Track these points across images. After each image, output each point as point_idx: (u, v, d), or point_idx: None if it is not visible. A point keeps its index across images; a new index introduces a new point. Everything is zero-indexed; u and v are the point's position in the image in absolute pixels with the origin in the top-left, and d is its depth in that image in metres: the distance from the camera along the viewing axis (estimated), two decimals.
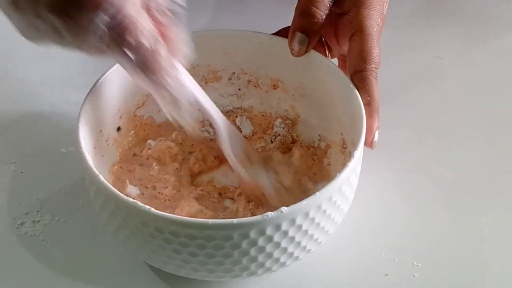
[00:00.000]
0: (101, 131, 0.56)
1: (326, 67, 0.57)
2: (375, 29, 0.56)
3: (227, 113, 0.63)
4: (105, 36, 0.44)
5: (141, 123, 0.61)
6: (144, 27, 0.45)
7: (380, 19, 0.57)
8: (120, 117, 0.58)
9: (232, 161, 0.55)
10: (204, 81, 0.63)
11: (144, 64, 0.46)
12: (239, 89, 0.63)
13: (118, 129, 0.58)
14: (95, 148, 0.54)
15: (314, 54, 0.57)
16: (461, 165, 0.62)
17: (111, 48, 0.45)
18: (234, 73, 0.63)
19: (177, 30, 0.48)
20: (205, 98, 0.54)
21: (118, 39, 0.44)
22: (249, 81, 0.63)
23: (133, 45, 0.45)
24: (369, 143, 0.53)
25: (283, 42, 0.58)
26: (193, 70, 0.61)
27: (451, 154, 0.63)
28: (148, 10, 0.46)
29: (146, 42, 0.45)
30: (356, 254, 0.55)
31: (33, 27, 0.44)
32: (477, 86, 0.71)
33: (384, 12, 0.57)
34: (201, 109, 0.53)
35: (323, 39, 0.59)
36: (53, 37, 0.44)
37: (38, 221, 0.57)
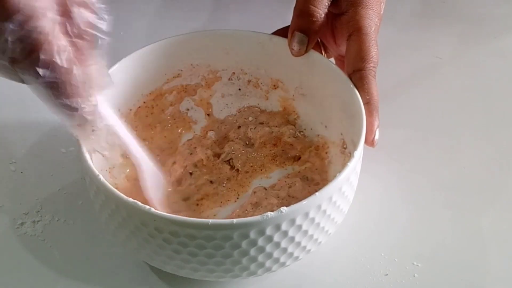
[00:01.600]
0: None
1: (326, 67, 0.57)
2: (373, 28, 0.56)
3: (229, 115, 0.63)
4: (17, 54, 0.40)
5: (141, 123, 0.61)
6: (59, 45, 0.41)
7: (378, 19, 0.57)
8: (120, 117, 0.58)
9: (151, 200, 0.53)
10: (204, 81, 0.63)
11: (57, 85, 0.42)
12: (239, 89, 0.63)
13: None
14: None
15: (314, 54, 0.57)
16: (461, 165, 0.62)
17: (20, 66, 0.41)
18: (234, 73, 0.63)
19: (95, 57, 0.44)
20: (124, 131, 0.51)
21: (29, 54, 0.40)
22: (249, 81, 0.63)
23: (45, 62, 0.41)
24: (370, 142, 0.53)
25: (283, 42, 0.58)
26: (193, 70, 0.62)
27: (451, 154, 0.63)
28: (65, 32, 0.42)
29: (59, 59, 0.41)
30: (356, 254, 0.55)
31: None
32: (477, 86, 0.71)
33: (381, 12, 0.58)
34: (119, 143, 0.51)
35: (319, 39, 0.59)
36: None
37: (38, 221, 0.57)
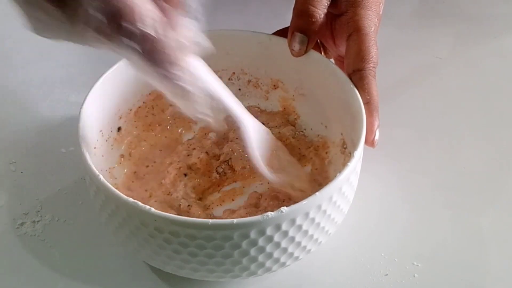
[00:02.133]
0: (101, 131, 0.56)
1: (326, 67, 0.57)
2: (372, 29, 0.56)
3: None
4: (100, 23, 0.39)
5: (141, 123, 0.61)
6: (144, 12, 0.40)
7: (377, 19, 0.57)
8: (120, 117, 0.58)
9: (257, 163, 0.53)
10: None
11: (148, 54, 0.41)
12: (239, 89, 0.63)
13: (119, 129, 0.58)
14: (95, 148, 0.54)
15: (314, 54, 0.58)
16: (461, 165, 0.62)
17: (111, 38, 0.40)
18: (234, 73, 0.63)
19: (187, 22, 0.43)
20: (225, 91, 0.50)
21: (113, 25, 0.39)
22: (249, 81, 0.63)
23: (131, 32, 0.40)
24: (370, 142, 0.53)
25: (283, 42, 0.58)
26: None
27: (451, 154, 0.63)
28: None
29: (146, 28, 0.40)
30: (356, 254, 0.55)
31: (39, 20, 0.40)
32: (477, 86, 0.71)
33: (380, 13, 0.58)
34: (220, 104, 0.49)
35: (318, 40, 0.59)
36: (57, 29, 0.41)
37: (38, 221, 0.57)
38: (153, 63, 0.42)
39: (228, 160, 0.59)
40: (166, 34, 0.41)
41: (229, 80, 0.63)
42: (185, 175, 0.57)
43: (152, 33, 0.41)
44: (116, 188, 0.46)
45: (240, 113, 0.51)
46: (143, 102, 0.60)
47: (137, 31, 0.40)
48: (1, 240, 0.56)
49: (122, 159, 0.58)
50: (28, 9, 0.40)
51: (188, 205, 0.54)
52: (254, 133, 0.53)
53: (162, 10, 0.42)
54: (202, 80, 0.46)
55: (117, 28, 0.40)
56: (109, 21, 0.39)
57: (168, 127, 0.62)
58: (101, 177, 0.47)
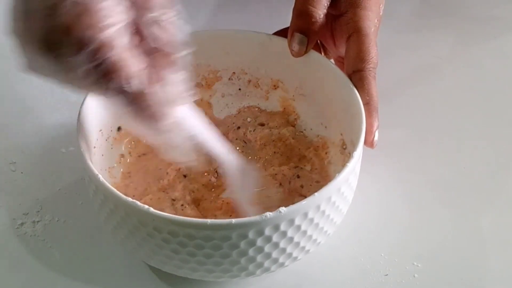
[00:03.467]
0: (101, 130, 0.56)
1: (326, 67, 0.57)
2: (372, 30, 0.56)
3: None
4: (91, 76, 0.40)
5: None
6: (133, 70, 0.41)
7: (377, 20, 0.57)
8: (120, 117, 0.58)
9: (239, 204, 0.53)
10: (204, 81, 0.63)
11: (135, 108, 0.43)
12: (240, 89, 0.63)
13: (119, 128, 0.58)
14: (95, 147, 0.54)
15: (314, 54, 0.57)
16: (461, 165, 0.62)
17: (100, 88, 0.41)
18: (234, 73, 0.63)
19: (176, 72, 0.44)
20: (211, 136, 0.50)
21: (103, 80, 0.41)
22: (249, 81, 0.63)
23: (119, 89, 0.41)
24: (369, 143, 0.53)
25: (283, 42, 0.58)
26: (193, 70, 0.61)
27: (451, 154, 0.63)
28: (141, 51, 0.42)
29: (135, 87, 0.41)
30: (356, 254, 0.55)
31: (36, 61, 0.42)
32: (477, 86, 0.70)
33: (380, 14, 0.58)
34: (204, 148, 0.50)
35: (318, 41, 0.59)
36: (51, 74, 0.42)
37: (38, 221, 0.57)
38: (141, 117, 0.43)
39: None
40: (155, 90, 0.43)
41: (230, 80, 0.63)
42: (185, 176, 0.57)
43: (140, 90, 0.42)
44: (115, 188, 0.46)
45: (226, 158, 0.52)
46: None
47: (125, 89, 0.41)
48: (1, 240, 0.56)
49: (122, 158, 0.58)
50: (27, 48, 0.41)
51: (182, 205, 0.54)
52: (239, 176, 0.53)
53: (153, 63, 0.43)
54: (187, 129, 0.47)
55: (107, 85, 0.41)
56: (100, 77, 0.41)
57: None
58: (100, 176, 0.47)
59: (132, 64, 0.41)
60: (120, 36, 0.40)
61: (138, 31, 0.42)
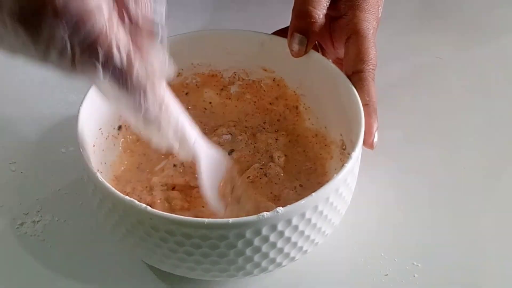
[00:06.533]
0: (100, 129, 0.56)
1: (326, 67, 0.57)
2: (371, 31, 0.56)
3: None
4: (74, 48, 0.39)
5: None
6: (118, 39, 0.40)
7: (376, 22, 0.57)
8: (120, 116, 0.58)
9: (205, 192, 0.52)
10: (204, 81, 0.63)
11: (119, 82, 0.42)
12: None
13: (119, 127, 0.58)
14: (94, 146, 0.54)
15: (314, 55, 0.58)
16: (461, 166, 0.62)
17: (81, 63, 0.40)
18: (235, 72, 0.63)
19: (156, 46, 0.43)
20: (186, 118, 0.49)
21: (87, 52, 0.40)
22: (249, 80, 0.63)
23: (105, 58, 0.40)
24: (369, 144, 0.53)
25: (283, 42, 0.58)
26: (194, 70, 0.62)
27: (451, 155, 0.63)
28: (123, 22, 0.42)
29: (120, 55, 0.41)
30: (356, 254, 0.55)
31: (2, 37, 0.40)
32: (477, 86, 0.70)
33: (379, 16, 0.58)
34: (183, 133, 0.49)
35: (317, 42, 0.59)
36: (17, 47, 0.40)
37: (38, 221, 0.57)
38: (125, 92, 0.42)
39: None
40: (138, 62, 0.42)
41: (230, 79, 0.63)
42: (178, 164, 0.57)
43: (125, 63, 0.41)
44: (114, 187, 0.47)
45: (199, 146, 0.51)
46: None
47: (109, 57, 0.40)
48: (1, 240, 0.56)
49: (121, 157, 0.58)
50: None
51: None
52: (207, 162, 0.52)
53: (133, 37, 0.42)
54: (169, 109, 0.46)
55: (91, 54, 0.40)
56: (87, 51, 0.40)
57: None
58: (99, 175, 0.47)
59: (120, 33, 0.41)
60: (103, 7, 0.40)
61: (118, 4, 0.41)
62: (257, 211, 0.46)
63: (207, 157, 0.52)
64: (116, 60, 0.41)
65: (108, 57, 0.40)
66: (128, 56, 0.41)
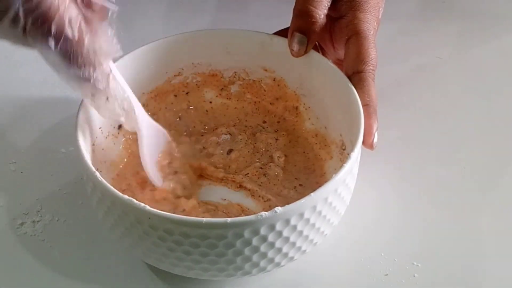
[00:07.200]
0: (100, 128, 0.56)
1: (326, 67, 0.57)
2: (371, 32, 0.56)
3: None
4: (25, 20, 0.41)
5: None
6: (69, 14, 0.42)
7: (376, 23, 0.57)
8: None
9: (145, 167, 0.55)
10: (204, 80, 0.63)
11: (68, 54, 0.44)
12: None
13: (119, 126, 0.58)
14: (93, 145, 0.54)
15: (314, 55, 0.58)
16: (461, 165, 0.62)
17: (33, 32, 0.42)
18: (235, 72, 0.63)
19: (104, 26, 0.46)
20: (133, 95, 0.53)
21: (40, 25, 0.41)
22: (250, 80, 0.63)
23: (56, 28, 0.42)
24: (369, 144, 0.53)
25: (284, 42, 0.58)
26: (194, 69, 0.62)
27: (451, 154, 0.63)
28: (75, 3, 0.43)
29: (71, 30, 0.43)
30: (355, 254, 0.55)
31: None
32: (477, 86, 0.70)
33: (379, 16, 0.58)
34: (129, 106, 0.52)
35: (317, 43, 0.59)
36: None
37: (38, 221, 0.57)
38: (74, 64, 0.44)
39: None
40: (88, 38, 0.44)
41: (230, 79, 0.63)
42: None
43: (76, 36, 0.43)
44: (114, 186, 0.47)
45: (141, 116, 0.53)
46: (144, 100, 0.60)
47: (63, 34, 0.42)
48: (1, 240, 0.56)
49: (121, 156, 0.58)
50: None
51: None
52: (148, 134, 0.54)
53: (84, 15, 0.44)
54: (116, 83, 0.49)
55: (46, 30, 0.42)
56: (40, 24, 0.41)
57: None
58: (97, 174, 0.47)
59: (72, 8, 0.42)
60: None
61: None
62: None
63: (148, 128, 0.54)
64: (67, 31, 0.42)
65: (59, 27, 0.42)
66: (79, 28, 0.43)
